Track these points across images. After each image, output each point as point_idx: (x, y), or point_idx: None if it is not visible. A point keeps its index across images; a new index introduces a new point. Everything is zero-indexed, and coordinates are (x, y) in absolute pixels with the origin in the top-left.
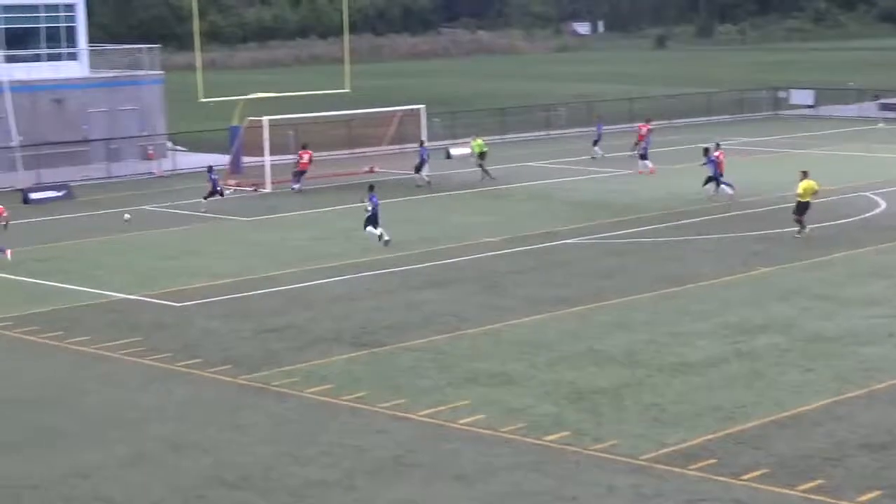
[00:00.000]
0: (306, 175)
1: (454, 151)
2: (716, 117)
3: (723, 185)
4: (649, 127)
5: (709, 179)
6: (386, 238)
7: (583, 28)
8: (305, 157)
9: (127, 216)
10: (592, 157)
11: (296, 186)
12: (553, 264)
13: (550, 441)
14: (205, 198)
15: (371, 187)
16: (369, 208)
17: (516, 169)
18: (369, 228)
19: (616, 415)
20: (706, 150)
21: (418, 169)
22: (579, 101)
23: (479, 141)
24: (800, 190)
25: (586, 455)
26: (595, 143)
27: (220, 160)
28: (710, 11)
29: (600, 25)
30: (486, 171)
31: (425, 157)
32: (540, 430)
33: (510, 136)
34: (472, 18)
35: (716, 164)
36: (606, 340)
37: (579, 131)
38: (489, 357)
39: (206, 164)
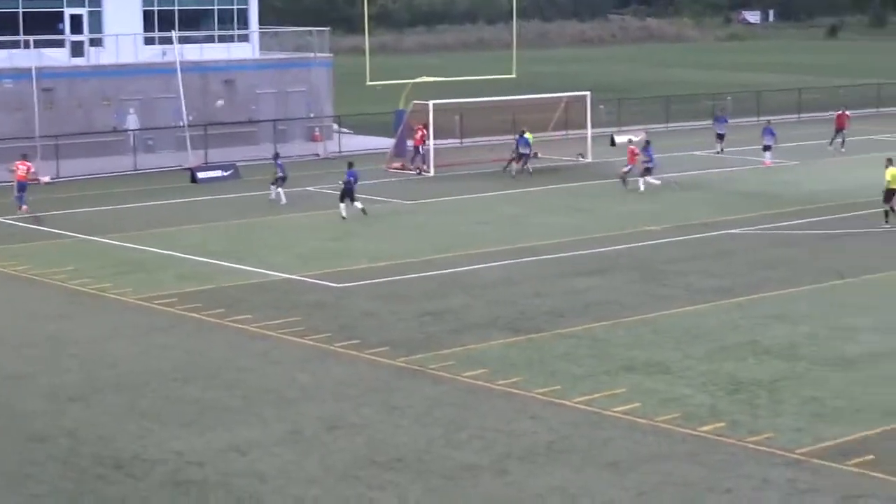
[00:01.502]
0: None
1: (618, 139)
2: (886, 109)
3: None
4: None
5: None
6: (344, 215)
7: (753, 17)
8: (419, 135)
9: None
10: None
11: (423, 165)
12: (714, 254)
13: (705, 432)
14: (273, 183)
15: (350, 164)
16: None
17: (679, 158)
18: (341, 204)
19: (773, 407)
20: None
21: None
22: (746, 91)
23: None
24: (888, 177)
25: (741, 447)
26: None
27: (385, 143)
28: (884, 1)
29: (771, 14)
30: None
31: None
32: (695, 421)
33: (674, 125)
34: (642, 6)
35: None
36: (766, 332)
37: (745, 121)
38: (646, 346)
39: (273, 153)
